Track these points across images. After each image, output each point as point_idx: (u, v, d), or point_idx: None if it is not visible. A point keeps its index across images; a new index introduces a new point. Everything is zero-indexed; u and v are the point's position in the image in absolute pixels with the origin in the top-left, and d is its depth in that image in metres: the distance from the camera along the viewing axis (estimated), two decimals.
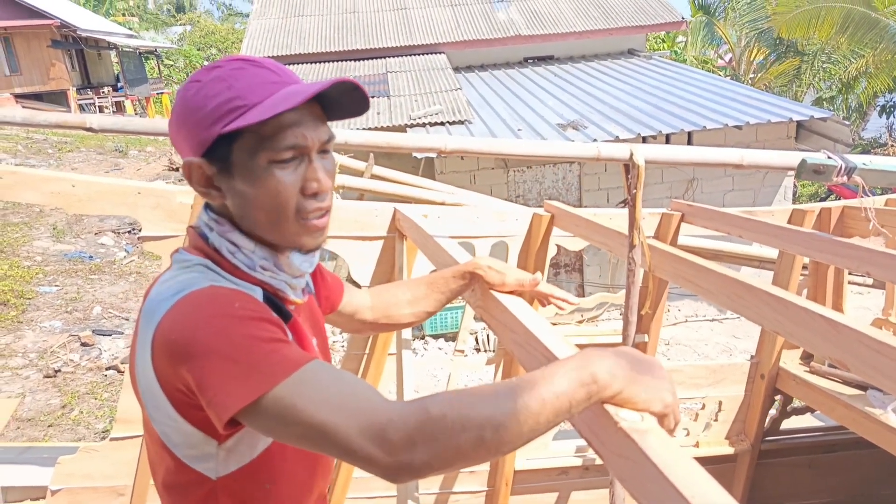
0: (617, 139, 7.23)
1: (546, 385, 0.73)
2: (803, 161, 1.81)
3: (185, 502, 0.93)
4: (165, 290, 0.88)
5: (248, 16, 17.37)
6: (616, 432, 0.78)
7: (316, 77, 10.00)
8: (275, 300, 0.95)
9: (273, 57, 10.82)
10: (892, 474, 3.55)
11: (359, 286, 2.55)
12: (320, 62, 10.85)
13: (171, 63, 28.80)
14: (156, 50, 26.28)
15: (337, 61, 10.87)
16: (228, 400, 0.77)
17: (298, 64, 10.64)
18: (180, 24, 34.52)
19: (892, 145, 13.00)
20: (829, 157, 1.82)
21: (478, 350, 7.68)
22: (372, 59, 10.99)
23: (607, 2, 12.26)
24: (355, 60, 10.93)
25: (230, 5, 41.56)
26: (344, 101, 0.93)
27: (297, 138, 0.88)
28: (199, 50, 29.27)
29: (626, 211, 2.03)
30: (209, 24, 34.08)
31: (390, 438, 0.71)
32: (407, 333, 2.21)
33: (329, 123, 0.94)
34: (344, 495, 2.77)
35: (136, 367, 0.88)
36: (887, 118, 14.80)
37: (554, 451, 3.11)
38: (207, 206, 0.97)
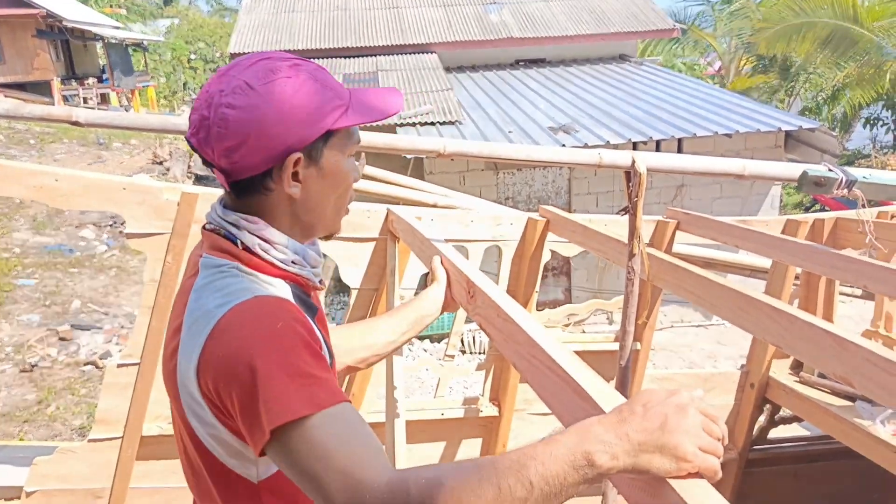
0: (608, 144, 7.24)
1: (535, 468, 0.68)
2: (805, 173, 1.79)
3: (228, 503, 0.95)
4: (209, 301, 0.89)
5: (237, 10, 17.22)
6: (657, 482, 0.71)
7: None
8: (302, 295, 1.01)
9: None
10: (873, 485, 3.56)
11: (346, 288, 2.50)
12: (311, 59, 10.73)
13: (158, 56, 28.47)
14: (143, 42, 25.98)
15: (327, 58, 10.79)
16: (268, 419, 0.79)
17: None
18: (168, 17, 34.15)
19: (875, 157, 13.16)
20: (830, 170, 1.80)
21: (463, 352, 7.64)
22: (362, 56, 10.92)
23: (600, 7, 12.29)
24: (346, 58, 10.85)
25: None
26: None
27: (359, 136, 1.02)
28: (187, 43, 28.98)
29: (619, 217, 2.00)
30: (198, 17, 33.73)
31: None
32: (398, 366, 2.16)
33: None
34: None
35: (178, 374, 0.90)
36: (871, 130, 14.98)
37: None
38: (226, 206, 0.98)
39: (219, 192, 2.20)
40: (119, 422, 2.39)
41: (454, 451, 2.94)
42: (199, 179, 13.48)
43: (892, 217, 3.22)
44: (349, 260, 2.35)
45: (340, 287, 8.65)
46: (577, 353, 2.83)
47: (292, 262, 0.98)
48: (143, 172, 12.58)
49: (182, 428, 0.94)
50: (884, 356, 1.11)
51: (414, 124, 8.15)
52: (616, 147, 7.04)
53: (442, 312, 1.38)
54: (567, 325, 7.65)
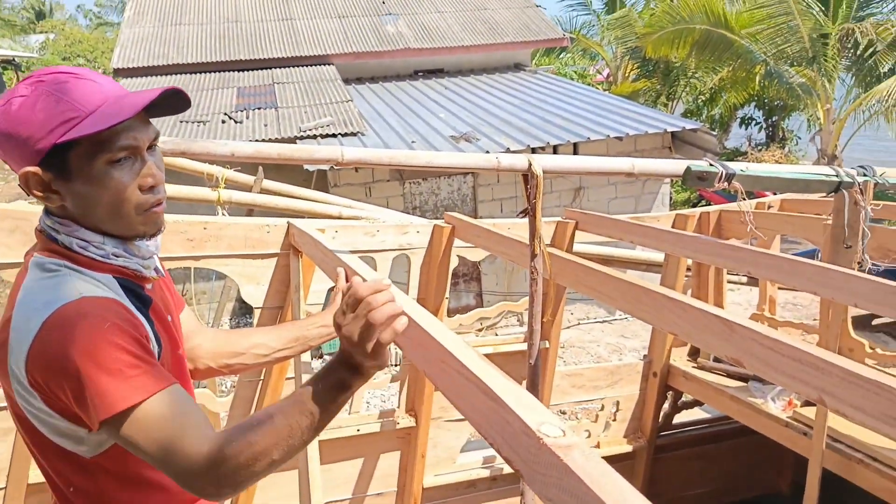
0: (508, 150, 7.41)
1: (309, 399, 0.95)
2: (688, 168, 1.90)
3: (63, 478, 1.04)
4: (35, 300, 0.96)
5: (119, 24, 16.31)
6: (539, 449, 0.75)
7: (196, 87, 9.53)
8: (131, 286, 1.05)
9: (150, 67, 10.19)
10: (769, 459, 3.82)
11: (250, 308, 2.40)
12: (201, 72, 10.35)
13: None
14: (13, 59, 24.09)
15: (219, 72, 10.41)
16: (95, 413, 0.90)
17: (177, 74, 10.09)
18: (42, 32, 31.85)
19: (751, 153, 14.24)
20: (711, 165, 1.92)
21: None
22: (257, 69, 10.62)
23: (493, 18, 12.60)
24: (239, 71, 10.52)
25: (98, 14, 38.74)
26: (165, 102, 1.02)
27: (130, 140, 0.98)
28: (64, 60, 27.13)
29: (521, 220, 2.04)
30: (76, 32, 31.66)
31: (201, 485, 0.93)
32: (305, 355, 2.09)
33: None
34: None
35: (8, 367, 0.96)
36: (746, 129, 16.22)
37: (461, 464, 3.09)
38: (47, 211, 1.04)
39: None
40: (2, 470, 2.17)
41: (373, 467, 2.89)
42: None
43: (769, 207, 3.48)
44: (249, 278, 2.25)
45: (245, 308, 8.33)
46: (490, 355, 2.85)
47: (113, 255, 1.03)
48: (21, 199, 11.62)
49: (14, 412, 1.02)
50: (768, 335, 1.19)
51: (315, 136, 8.00)
52: (517, 153, 7.21)
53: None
54: (480, 330, 7.75)
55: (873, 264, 2.24)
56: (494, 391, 0.86)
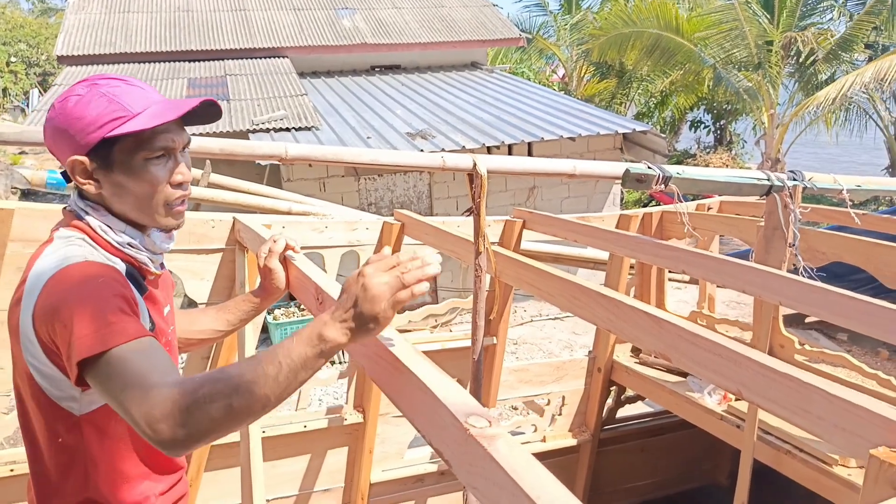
0: (463, 149, 7.45)
1: (281, 351, 0.91)
2: (627, 171, 1.96)
3: (53, 432, 1.14)
4: (49, 263, 1.09)
5: (63, 10, 15.70)
6: (465, 439, 0.78)
7: (145, 76, 9.26)
8: (135, 274, 1.18)
9: (96, 55, 9.86)
10: (708, 451, 3.97)
11: (195, 304, 2.38)
12: (150, 62, 10.07)
13: None
14: None
15: (169, 61, 10.15)
16: (75, 355, 0.98)
17: (126, 63, 9.79)
18: None
19: (699, 156, 14.67)
20: (649, 168, 1.99)
21: (332, 363, 7.52)
22: (209, 60, 10.39)
23: (450, 15, 12.63)
24: (190, 62, 10.27)
25: None
26: (202, 111, 1.17)
27: (167, 141, 1.14)
28: (3, 45, 25.95)
29: (470, 218, 2.08)
30: (17, 16, 30.28)
31: (159, 426, 0.90)
32: (251, 344, 2.09)
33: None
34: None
35: (20, 321, 1.08)
36: (695, 132, 16.69)
37: (409, 459, 3.11)
38: (80, 195, 1.18)
39: (39, 206, 2.00)
40: None
41: (320, 463, 2.89)
42: (26, 195, 12.14)
43: (709, 209, 3.61)
44: (194, 273, 2.23)
45: (190, 304, 8.18)
46: (440, 351, 2.88)
47: (128, 244, 1.17)
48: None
49: (21, 369, 1.13)
50: (692, 331, 1.25)
51: (268, 130, 7.89)
52: (472, 151, 7.27)
53: (272, 295, 1.44)
54: (435, 327, 7.77)
55: (806, 267, 2.33)
56: (426, 384, 0.88)
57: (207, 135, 6.69)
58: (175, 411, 0.89)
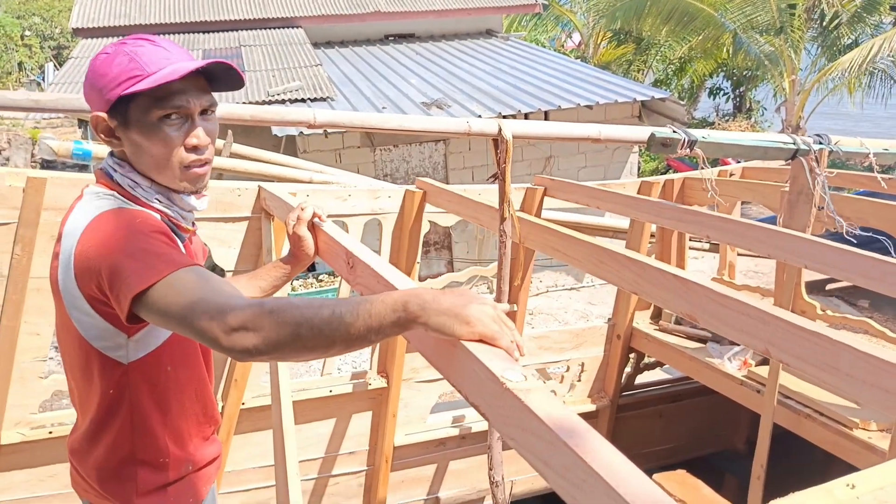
0: (479, 118, 7.40)
1: (363, 305, 0.89)
2: (652, 135, 1.96)
3: (103, 384, 1.18)
4: (82, 215, 1.13)
5: None
6: (502, 393, 0.80)
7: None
8: (170, 224, 1.21)
9: (111, 27, 9.86)
10: (726, 416, 4.00)
11: (223, 272, 2.42)
12: (164, 34, 10.05)
13: None
14: None
15: (183, 33, 10.13)
16: (127, 290, 1.00)
17: None
18: None
19: (718, 124, 14.43)
20: (674, 132, 1.98)
21: None
22: (223, 31, 10.35)
23: None
24: (204, 33, 10.24)
25: None
26: (224, 76, 1.18)
27: (182, 101, 1.13)
28: (18, 18, 25.94)
29: (492, 186, 2.08)
30: None
31: (228, 322, 0.91)
32: None
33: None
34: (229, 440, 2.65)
35: (59, 277, 1.13)
36: (714, 99, 16.40)
37: (431, 423, 3.17)
38: (111, 153, 1.22)
39: (68, 175, 2.04)
40: None
41: (345, 427, 2.96)
42: (46, 166, 12.27)
43: (731, 175, 3.58)
44: (221, 241, 2.26)
45: (215, 272, 8.28)
46: None
47: (157, 199, 1.20)
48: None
49: (64, 322, 1.16)
50: (719, 291, 1.26)
51: (283, 101, 7.89)
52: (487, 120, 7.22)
53: (301, 262, 1.49)
54: None
55: (849, 227, 2.22)
56: (463, 344, 0.91)
57: None
58: (248, 321, 0.90)
